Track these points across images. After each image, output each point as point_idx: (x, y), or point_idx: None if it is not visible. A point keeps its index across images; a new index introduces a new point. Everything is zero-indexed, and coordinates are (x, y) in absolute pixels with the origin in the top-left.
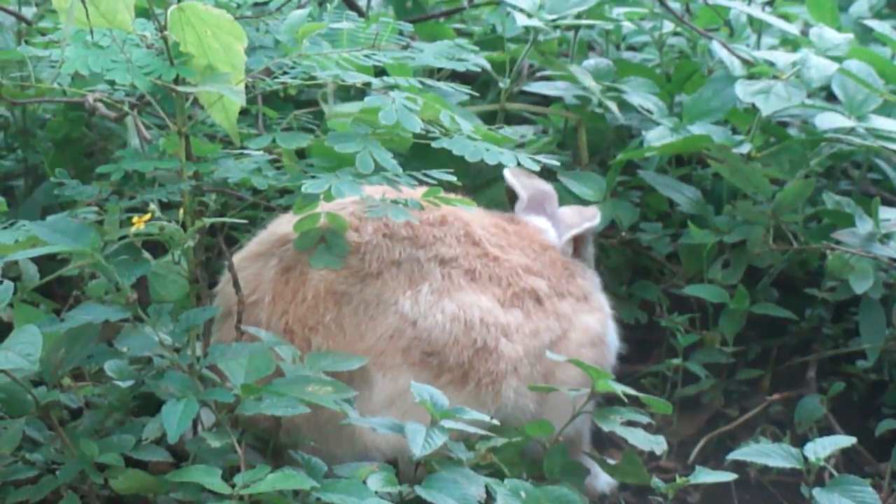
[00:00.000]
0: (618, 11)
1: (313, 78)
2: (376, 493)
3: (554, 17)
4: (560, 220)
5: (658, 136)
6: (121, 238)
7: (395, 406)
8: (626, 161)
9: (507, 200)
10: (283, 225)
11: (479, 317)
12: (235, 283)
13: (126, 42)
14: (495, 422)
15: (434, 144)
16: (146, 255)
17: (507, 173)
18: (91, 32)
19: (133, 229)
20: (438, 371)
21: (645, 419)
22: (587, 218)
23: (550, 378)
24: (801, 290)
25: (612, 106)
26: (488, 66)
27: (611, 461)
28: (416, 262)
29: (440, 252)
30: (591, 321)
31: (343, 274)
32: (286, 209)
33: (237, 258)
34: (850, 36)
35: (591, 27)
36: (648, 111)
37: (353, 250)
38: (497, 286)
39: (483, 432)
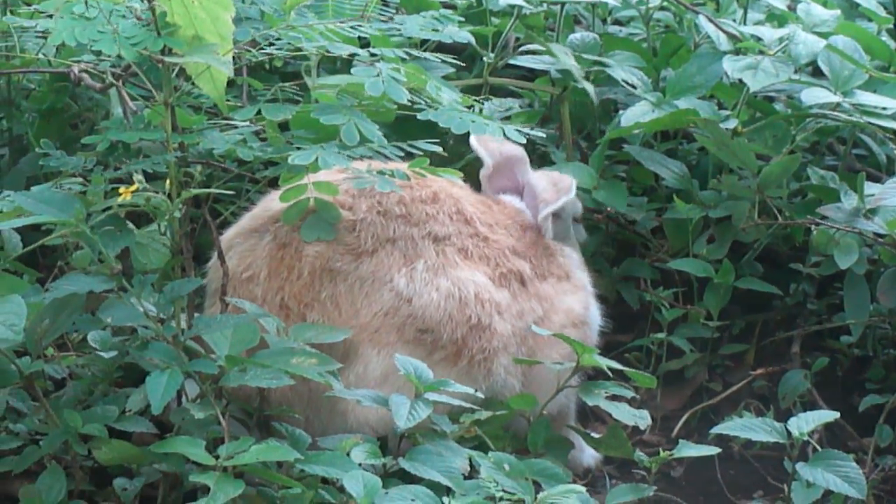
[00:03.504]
0: None
1: (299, 49)
2: (360, 465)
3: None
4: (533, 187)
5: (639, 113)
6: (105, 209)
7: (389, 382)
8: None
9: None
10: (277, 201)
11: (475, 292)
12: (220, 255)
13: (113, 13)
14: (480, 395)
15: (420, 116)
16: (130, 225)
17: (472, 139)
18: (81, 3)
19: (118, 200)
20: (432, 348)
21: (629, 393)
22: (563, 191)
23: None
24: (786, 266)
25: (590, 88)
26: (472, 40)
27: (595, 435)
28: (411, 239)
29: (434, 230)
30: (573, 302)
31: (339, 251)
32: (271, 181)
33: (230, 234)
34: (838, 12)
35: (577, 1)
36: (632, 86)
37: (347, 228)
38: (487, 265)
39: (468, 405)
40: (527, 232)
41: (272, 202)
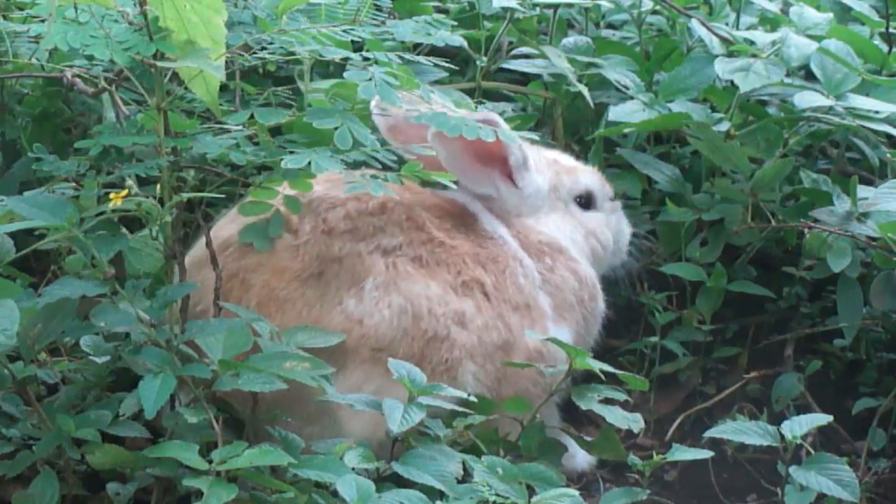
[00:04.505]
0: None
1: (292, 53)
2: (353, 469)
3: None
4: None
5: (630, 111)
6: (98, 213)
7: None
8: (604, 138)
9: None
10: (224, 229)
11: (428, 307)
12: (213, 259)
13: (105, 17)
14: (473, 398)
15: (413, 120)
16: (124, 230)
17: (372, 103)
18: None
19: (110, 205)
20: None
21: (622, 397)
22: (441, 106)
23: (503, 378)
24: (779, 269)
25: (584, 90)
26: (464, 44)
27: (588, 438)
28: (357, 256)
29: (381, 242)
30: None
31: (284, 279)
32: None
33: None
34: (830, 15)
35: (570, 5)
36: (625, 87)
37: (291, 254)
38: (447, 272)
39: (458, 408)
40: (488, 241)
41: (221, 230)
